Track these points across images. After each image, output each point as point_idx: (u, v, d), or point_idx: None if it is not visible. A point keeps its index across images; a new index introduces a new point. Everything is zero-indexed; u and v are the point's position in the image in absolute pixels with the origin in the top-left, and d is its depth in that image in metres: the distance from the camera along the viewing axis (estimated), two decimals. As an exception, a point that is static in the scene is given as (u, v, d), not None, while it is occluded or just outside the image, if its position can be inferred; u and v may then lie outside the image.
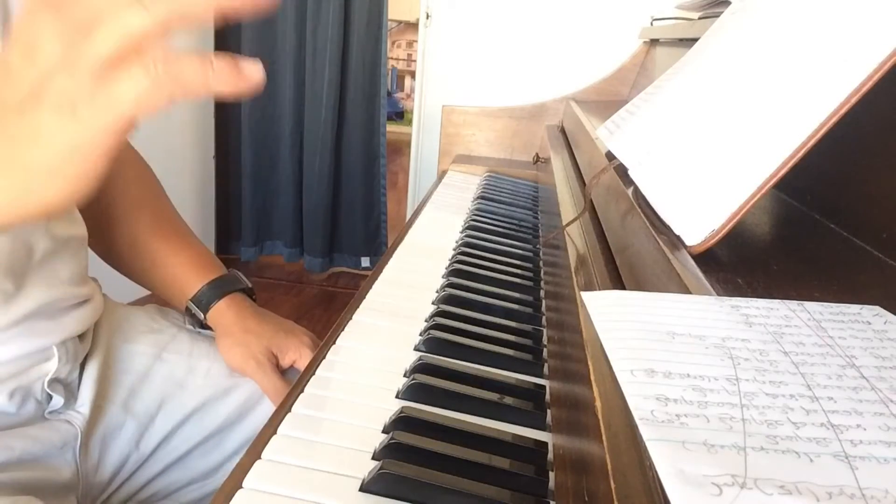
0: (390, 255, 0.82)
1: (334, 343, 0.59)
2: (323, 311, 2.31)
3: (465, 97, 2.10)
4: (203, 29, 2.31)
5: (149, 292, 0.78)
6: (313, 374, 0.54)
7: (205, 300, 0.72)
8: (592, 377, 0.33)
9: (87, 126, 0.31)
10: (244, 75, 0.31)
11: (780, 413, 0.24)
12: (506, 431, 0.48)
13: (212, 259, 0.77)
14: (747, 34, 0.52)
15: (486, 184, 1.22)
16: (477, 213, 1.01)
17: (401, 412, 0.48)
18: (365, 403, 0.51)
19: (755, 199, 0.37)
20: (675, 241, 0.40)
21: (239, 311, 0.73)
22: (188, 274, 0.73)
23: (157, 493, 0.69)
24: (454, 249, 0.85)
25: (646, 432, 0.23)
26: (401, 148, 3.64)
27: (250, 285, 0.77)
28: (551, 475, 0.44)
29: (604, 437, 0.28)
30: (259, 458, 0.43)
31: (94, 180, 0.32)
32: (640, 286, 0.42)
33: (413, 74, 3.34)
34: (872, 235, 0.41)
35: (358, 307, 0.66)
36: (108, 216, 0.72)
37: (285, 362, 0.72)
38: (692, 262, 0.38)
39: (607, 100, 1.40)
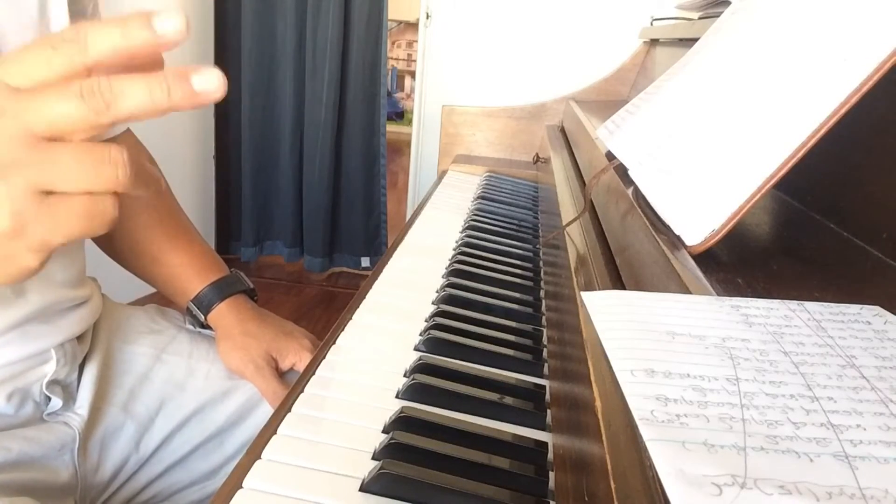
0: (390, 255, 0.82)
1: (334, 343, 0.59)
2: (323, 311, 2.31)
3: (465, 97, 2.10)
4: (202, 29, 2.32)
5: (149, 292, 0.78)
6: (313, 374, 0.54)
7: (206, 301, 0.72)
8: (592, 377, 0.33)
9: (30, 241, 0.30)
10: (197, 92, 0.30)
11: (780, 413, 0.24)
12: (506, 431, 0.48)
13: (214, 258, 0.77)
14: (747, 34, 0.52)
15: (486, 184, 1.22)
16: (477, 213, 1.01)
17: (401, 412, 0.48)
18: (365, 403, 0.51)
19: (755, 199, 0.37)
20: (675, 241, 0.40)
21: (239, 313, 0.72)
22: (190, 274, 0.73)
23: (156, 496, 0.69)
24: (454, 249, 0.85)
25: (646, 432, 0.23)
26: (401, 148, 3.64)
27: (252, 286, 0.77)
28: (551, 475, 0.44)
29: (604, 437, 0.28)
30: (259, 458, 0.43)
31: (41, 265, 0.32)
32: (640, 286, 0.42)
33: (413, 74, 3.34)
34: (872, 235, 0.41)
35: (358, 307, 0.66)
36: None
37: (285, 365, 0.72)
38: (692, 262, 0.38)
39: (607, 100, 1.40)
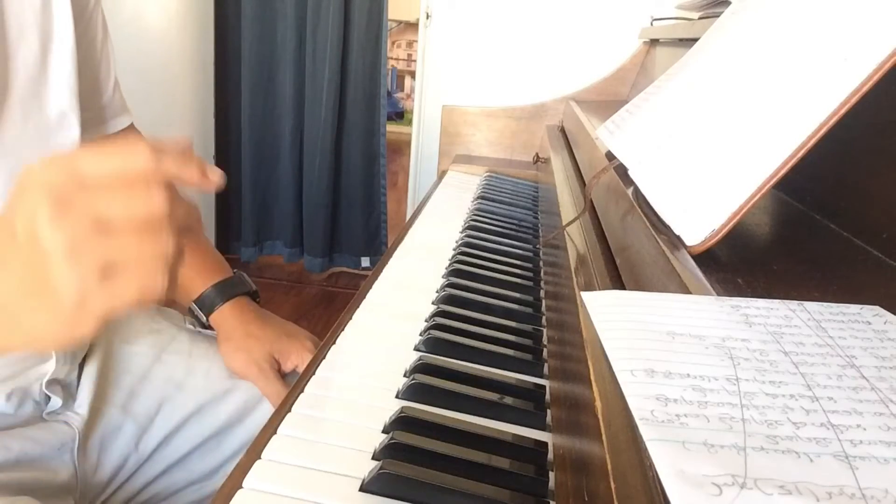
0: (390, 255, 0.82)
1: (334, 343, 0.59)
2: (323, 311, 2.31)
3: (465, 97, 2.10)
4: (202, 29, 2.32)
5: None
6: (313, 374, 0.54)
7: (208, 303, 0.72)
8: (592, 377, 0.33)
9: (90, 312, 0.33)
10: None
11: (780, 413, 0.24)
12: (506, 431, 0.48)
13: (218, 259, 0.77)
14: (747, 34, 0.52)
15: (486, 184, 1.22)
16: (477, 213, 1.01)
17: (401, 412, 0.48)
18: (365, 403, 0.51)
19: (755, 199, 0.37)
20: (675, 241, 0.40)
21: (242, 314, 0.72)
22: (193, 275, 0.73)
23: (156, 495, 0.69)
24: (454, 249, 0.85)
25: (646, 432, 0.23)
26: (401, 148, 3.64)
27: (255, 288, 0.77)
28: (551, 475, 0.44)
29: (604, 437, 0.28)
30: (259, 457, 0.43)
31: (95, 330, 0.35)
32: (640, 286, 0.42)
33: (413, 74, 3.34)
34: (872, 235, 0.41)
35: (358, 307, 0.66)
36: None
37: (287, 367, 0.72)
38: (692, 262, 0.38)
39: (607, 100, 1.40)
